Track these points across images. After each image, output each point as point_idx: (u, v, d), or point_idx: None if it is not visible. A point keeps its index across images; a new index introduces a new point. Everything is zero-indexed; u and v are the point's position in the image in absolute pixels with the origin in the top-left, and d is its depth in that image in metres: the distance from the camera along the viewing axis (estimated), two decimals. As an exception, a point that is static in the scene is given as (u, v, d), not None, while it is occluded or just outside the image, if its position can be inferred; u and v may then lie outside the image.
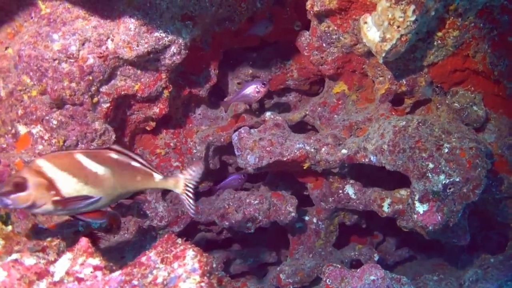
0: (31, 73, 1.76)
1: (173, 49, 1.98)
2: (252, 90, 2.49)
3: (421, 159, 2.07)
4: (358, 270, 1.87)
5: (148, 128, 2.39)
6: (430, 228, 2.02)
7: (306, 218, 2.74)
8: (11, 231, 1.60)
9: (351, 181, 2.52)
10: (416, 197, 2.05)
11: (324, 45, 2.30)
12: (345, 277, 1.91)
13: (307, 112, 2.64)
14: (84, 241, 1.29)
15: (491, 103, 2.26)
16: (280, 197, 2.55)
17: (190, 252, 1.09)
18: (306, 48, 2.37)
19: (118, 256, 2.26)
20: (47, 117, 1.84)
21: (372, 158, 2.22)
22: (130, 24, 1.85)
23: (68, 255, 1.27)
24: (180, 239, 1.21)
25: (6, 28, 1.81)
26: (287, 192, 2.70)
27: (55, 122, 1.85)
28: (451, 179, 2.03)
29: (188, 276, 1.01)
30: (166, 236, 1.26)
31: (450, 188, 2.03)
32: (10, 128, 1.80)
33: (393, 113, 2.33)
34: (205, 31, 2.26)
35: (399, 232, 2.49)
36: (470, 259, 2.68)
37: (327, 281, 1.95)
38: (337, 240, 2.80)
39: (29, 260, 1.30)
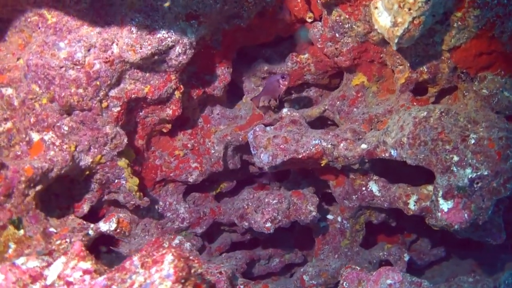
0: (39, 82, 1.81)
1: (178, 49, 1.97)
2: (275, 83, 2.46)
3: (445, 151, 1.92)
4: (374, 273, 1.76)
5: (164, 130, 2.40)
6: (456, 227, 1.86)
7: (330, 217, 2.65)
8: (23, 235, 1.66)
9: (375, 177, 2.39)
10: (440, 194, 1.90)
11: (337, 35, 2.19)
12: (362, 280, 1.80)
13: (326, 107, 2.54)
14: (77, 245, 1.30)
15: (524, 88, 2.06)
16: (301, 196, 2.47)
17: (169, 257, 1.06)
18: (320, 40, 2.28)
19: (137, 258, 2.29)
20: (58, 124, 1.89)
21: (392, 153, 2.09)
22: (132, 27, 1.86)
23: (62, 259, 1.28)
24: (167, 242, 1.19)
25: (17, 40, 1.87)
26: (310, 190, 2.62)
27: (66, 128, 1.90)
28: (479, 173, 1.86)
29: (161, 282, 0.98)
30: (154, 239, 1.24)
31: (477, 183, 1.87)
32: (24, 136, 1.87)
33: (415, 103, 2.18)
34: (214, 30, 2.23)
35: (434, 230, 2.33)
36: (510, 258, 2.46)
37: (344, 284, 1.85)
38: (365, 239, 2.68)
39: (30, 264, 1.33)
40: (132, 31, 1.85)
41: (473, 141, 1.90)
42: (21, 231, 1.65)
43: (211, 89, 2.44)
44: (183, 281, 0.99)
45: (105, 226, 1.76)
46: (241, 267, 2.63)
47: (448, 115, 1.96)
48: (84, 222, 1.86)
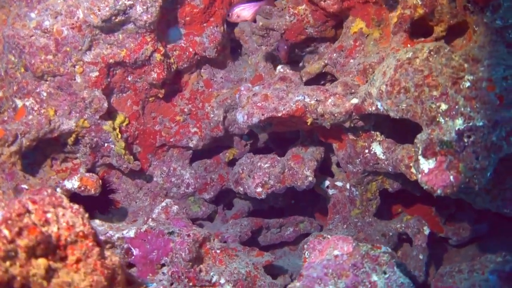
0: (13, 51, 1.95)
1: (139, 8, 1.94)
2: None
3: (431, 99, 1.57)
4: (324, 241, 1.53)
5: (160, 96, 2.42)
6: (438, 191, 1.51)
7: (340, 184, 2.39)
8: (-3, 191, 1.83)
9: (380, 138, 2.08)
10: (420, 151, 1.56)
11: (315, -26, 1.92)
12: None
13: (326, 61, 2.27)
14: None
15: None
16: (299, 160, 2.28)
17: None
18: (301, -17, 2.03)
19: (132, 219, 2.37)
20: (37, 90, 2.02)
21: (379, 105, 1.79)
22: (87, -11, 1.87)
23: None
24: (51, 190, 1.18)
25: (1, 16, 2.04)
26: (316, 154, 2.39)
27: (44, 94, 2.03)
28: (470, 124, 1.48)
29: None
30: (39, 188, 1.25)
31: (468, 136, 1.49)
32: (11, 103, 2.04)
33: (409, 45, 1.81)
34: (188, -15, 2.14)
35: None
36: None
37: (306, 254, 1.65)
38: (378, 209, 2.37)
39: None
40: (88, -7, 1.87)
41: (468, 84, 1.51)
42: (-4, 187, 1.82)
43: (201, 50, 2.36)
44: (9, 222, 0.99)
45: (69, 183, 1.85)
46: (245, 234, 2.54)
47: (439, 54, 1.59)
48: (60, 181, 1.97)
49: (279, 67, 2.28)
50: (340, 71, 2.14)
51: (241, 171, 2.37)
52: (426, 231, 2.21)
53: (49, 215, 1.10)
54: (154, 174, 2.55)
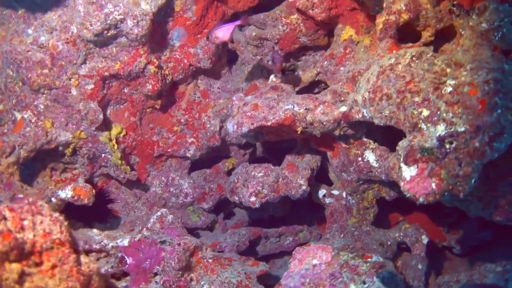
0: (11, 66, 2.03)
1: (129, 22, 1.99)
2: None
3: (413, 105, 1.54)
4: (304, 250, 1.51)
5: (157, 107, 2.46)
6: (421, 199, 1.48)
7: (336, 192, 2.37)
8: (-6, 201, 1.90)
9: (373, 146, 2.05)
10: (401, 158, 1.53)
11: (302, -17, 1.94)
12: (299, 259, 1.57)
13: (318, 70, 2.27)
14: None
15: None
16: (293, 169, 2.27)
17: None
18: (289, -7, 2.04)
19: (129, 229, 2.40)
20: (34, 103, 2.09)
21: (365, 113, 1.77)
22: (79, 5, 1.94)
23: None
24: (32, 199, 1.23)
25: (1, 32, 2.13)
26: (312, 162, 2.38)
27: (42, 106, 2.10)
28: (452, 129, 1.45)
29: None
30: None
31: (450, 142, 1.45)
32: (10, 115, 2.12)
33: (395, 51, 1.79)
34: (180, -1, 2.19)
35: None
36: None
37: (291, 264, 1.63)
38: (377, 218, 2.32)
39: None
40: (79, 9, 1.94)
41: (449, 89, 1.48)
42: (-6, 197, 1.89)
43: (196, 61, 2.40)
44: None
45: (62, 193, 1.90)
46: (243, 244, 2.53)
47: (421, 59, 1.57)
48: (55, 191, 2.02)
49: (271, 76, 2.29)
50: (331, 79, 2.13)
51: (236, 181, 2.37)
52: (425, 240, 2.16)
53: (25, 222, 1.14)
54: (153, 184, 2.58)
